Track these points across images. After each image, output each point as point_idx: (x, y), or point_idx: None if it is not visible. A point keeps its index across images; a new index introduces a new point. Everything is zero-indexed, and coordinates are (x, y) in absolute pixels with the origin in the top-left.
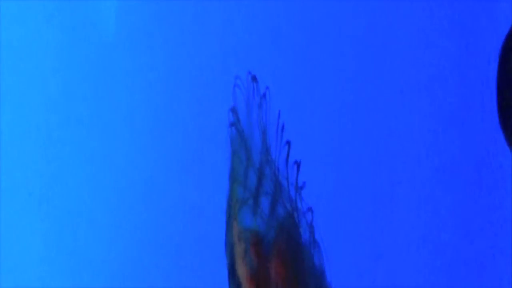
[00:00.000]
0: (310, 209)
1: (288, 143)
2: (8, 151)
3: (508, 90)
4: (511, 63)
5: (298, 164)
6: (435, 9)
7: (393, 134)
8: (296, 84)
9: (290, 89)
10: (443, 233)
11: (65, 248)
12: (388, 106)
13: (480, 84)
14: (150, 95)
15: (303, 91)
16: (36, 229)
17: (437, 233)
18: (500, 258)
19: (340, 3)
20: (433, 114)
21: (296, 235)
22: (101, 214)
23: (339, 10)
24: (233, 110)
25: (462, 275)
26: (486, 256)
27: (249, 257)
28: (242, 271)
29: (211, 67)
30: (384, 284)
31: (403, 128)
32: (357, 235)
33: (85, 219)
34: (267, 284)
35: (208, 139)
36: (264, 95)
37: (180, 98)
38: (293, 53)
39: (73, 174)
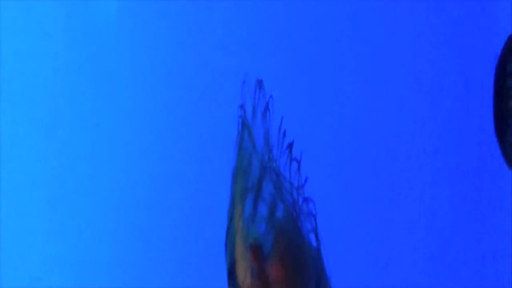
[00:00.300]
0: (312, 211)
1: (290, 147)
2: (12, 150)
3: (504, 105)
4: (507, 79)
5: (298, 163)
6: (435, 13)
7: (393, 137)
8: (300, 88)
9: (294, 93)
10: (443, 231)
11: (70, 248)
12: (388, 111)
13: (482, 89)
14: (155, 94)
15: (306, 94)
16: (42, 229)
17: (438, 232)
18: (501, 261)
19: (341, 11)
20: (433, 117)
21: (297, 237)
22: (107, 213)
23: (340, 16)
24: (242, 107)
25: (462, 275)
26: (487, 257)
27: (248, 259)
28: (241, 273)
29: (219, 67)
30: (385, 284)
31: (403, 133)
32: (358, 236)
33: (90, 218)
34: (267, 286)
35: (211, 141)
36: (268, 105)
37: (187, 98)
38: (298, 58)
39: (79, 171)
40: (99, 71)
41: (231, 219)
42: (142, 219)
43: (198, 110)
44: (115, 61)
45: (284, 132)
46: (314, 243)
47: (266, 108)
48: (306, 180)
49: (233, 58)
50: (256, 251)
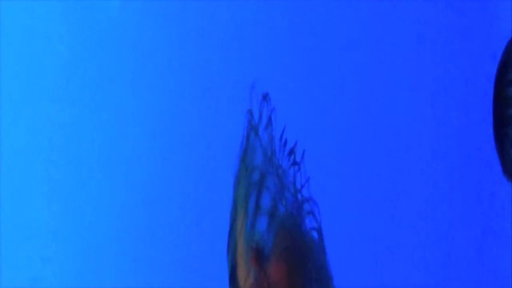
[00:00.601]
0: (314, 211)
1: (291, 152)
2: (12, 150)
3: (504, 113)
4: (507, 88)
5: (299, 165)
6: (434, 22)
7: (390, 145)
8: (304, 94)
9: (298, 98)
10: (442, 236)
11: (71, 248)
12: (387, 122)
13: (481, 97)
14: (161, 99)
15: (310, 99)
16: (43, 229)
17: (438, 233)
18: (501, 269)
19: (343, 22)
20: (434, 124)
21: (298, 237)
22: (108, 216)
23: (341, 26)
24: (249, 111)
25: (462, 277)
26: (487, 257)
27: (249, 262)
28: (242, 275)
29: (228, 75)
30: (387, 284)
31: (402, 142)
32: (360, 237)
33: (92, 219)
34: None
35: (214, 146)
36: (270, 117)
37: (194, 104)
38: (302, 67)
39: (82, 173)
40: (103, 73)
41: (233, 222)
42: (144, 221)
43: (204, 115)
44: (123, 63)
45: (285, 141)
46: (317, 242)
47: (269, 121)
48: (308, 180)
49: (241, 67)
50: (258, 254)
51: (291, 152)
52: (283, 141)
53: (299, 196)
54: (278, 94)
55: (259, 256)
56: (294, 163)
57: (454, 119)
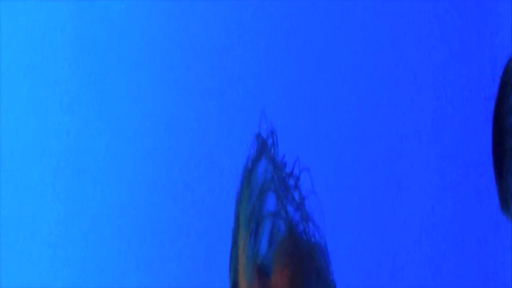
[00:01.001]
0: (316, 225)
1: (293, 174)
2: (14, 150)
3: (503, 144)
4: (506, 117)
5: (297, 178)
6: (433, 47)
7: (393, 139)
8: (307, 117)
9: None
10: (444, 237)
11: (72, 250)
12: (388, 139)
13: (481, 126)
14: (171, 115)
15: (313, 118)
16: (46, 227)
17: (439, 237)
18: (501, 265)
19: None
20: (433, 154)
21: (301, 253)
22: (110, 218)
23: (344, 47)
24: (258, 136)
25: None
26: (486, 256)
27: (250, 279)
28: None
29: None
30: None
31: (404, 147)
32: (363, 246)
33: (94, 221)
34: None
35: (220, 164)
36: (275, 142)
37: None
38: (308, 92)
39: (88, 174)
40: (108, 76)
41: (235, 240)
42: (146, 236)
43: (211, 134)
44: (131, 76)
45: (285, 163)
46: (321, 256)
47: (274, 143)
48: (310, 194)
49: (251, 92)
50: (260, 271)
51: (292, 172)
52: (285, 160)
53: (302, 212)
54: (286, 118)
55: (261, 274)
56: (297, 180)
57: (453, 138)
